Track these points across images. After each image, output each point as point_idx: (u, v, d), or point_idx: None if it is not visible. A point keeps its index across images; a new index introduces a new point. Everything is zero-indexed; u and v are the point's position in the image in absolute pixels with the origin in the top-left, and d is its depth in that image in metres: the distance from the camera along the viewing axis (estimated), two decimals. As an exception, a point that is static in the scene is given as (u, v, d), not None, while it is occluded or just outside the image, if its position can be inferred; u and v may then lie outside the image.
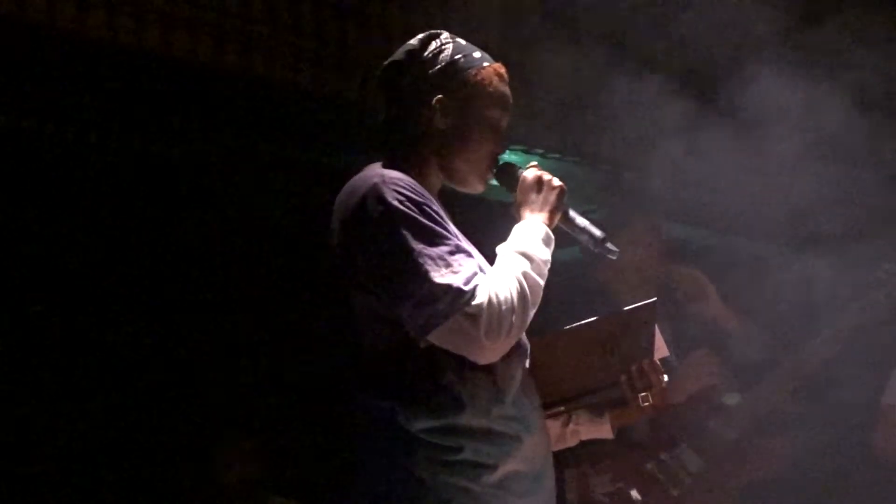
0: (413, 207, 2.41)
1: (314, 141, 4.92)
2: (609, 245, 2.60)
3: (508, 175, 2.64)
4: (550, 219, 2.57)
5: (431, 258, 2.37)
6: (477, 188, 2.65)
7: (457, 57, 2.59)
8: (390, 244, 2.39)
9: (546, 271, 2.49)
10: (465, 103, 2.57)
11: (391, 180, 2.44)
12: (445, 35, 2.63)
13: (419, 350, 2.40)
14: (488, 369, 2.43)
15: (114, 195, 5.03)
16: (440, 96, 2.56)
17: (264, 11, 4.39)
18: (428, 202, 2.45)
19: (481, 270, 2.44)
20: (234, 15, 4.31)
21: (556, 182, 2.61)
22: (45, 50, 4.03)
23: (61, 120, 4.56)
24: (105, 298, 5.22)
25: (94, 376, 5.15)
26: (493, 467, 2.40)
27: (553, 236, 2.55)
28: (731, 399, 4.16)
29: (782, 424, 4.25)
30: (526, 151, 4.93)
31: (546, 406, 2.57)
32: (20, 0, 3.83)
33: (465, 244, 2.49)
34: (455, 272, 2.37)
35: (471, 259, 2.43)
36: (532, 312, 2.44)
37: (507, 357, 2.47)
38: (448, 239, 2.42)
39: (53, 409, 5.03)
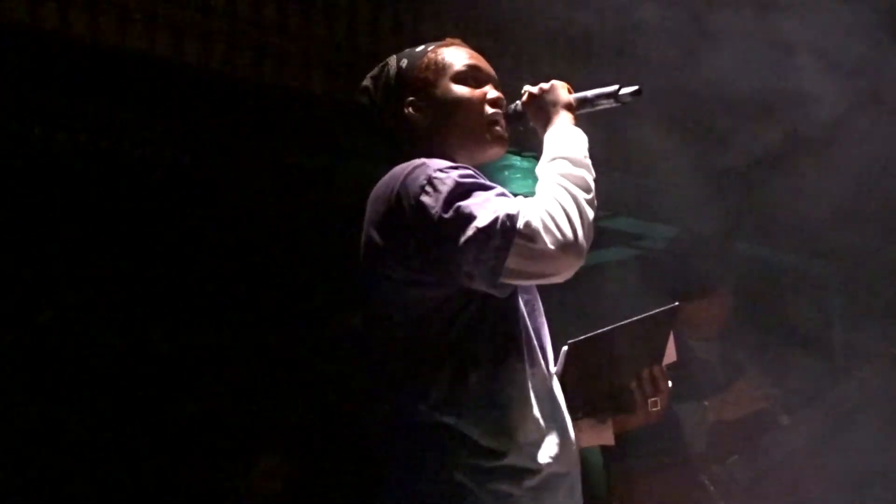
0: (452, 172, 2.40)
1: (327, 147, 4.93)
2: (625, 91, 2.57)
3: (511, 116, 2.63)
4: (570, 114, 2.56)
5: (476, 204, 2.34)
6: (497, 151, 2.63)
7: (402, 63, 2.63)
8: (437, 209, 2.35)
9: (586, 161, 2.46)
10: (428, 89, 2.59)
11: (431, 160, 2.45)
12: (390, 58, 2.67)
13: (463, 349, 2.37)
14: (533, 371, 2.41)
15: (125, 202, 5.04)
16: (408, 100, 2.59)
17: (275, 19, 4.40)
18: (467, 167, 2.45)
19: None
20: (244, 22, 4.33)
21: (546, 84, 2.60)
22: (56, 57, 4.05)
23: (72, 127, 4.57)
24: (118, 306, 5.23)
25: (106, 385, 5.16)
26: (535, 471, 2.37)
27: (580, 129, 2.52)
28: (784, 420, 4.20)
29: (831, 448, 4.27)
30: (517, 153, 4.92)
31: (572, 411, 2.54)
32: (32, 7, 3.85)
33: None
34: (500, 205, 2.34)
35: (515, 198, 2.41)
36: (591, 201, 2.40)
37: (543, 353, 2.46)
38: (491, 188, 2.40)
39: (64, 418, 5.03)
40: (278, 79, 4.39)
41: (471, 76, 2.61)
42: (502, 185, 5.40)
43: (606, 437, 2.66)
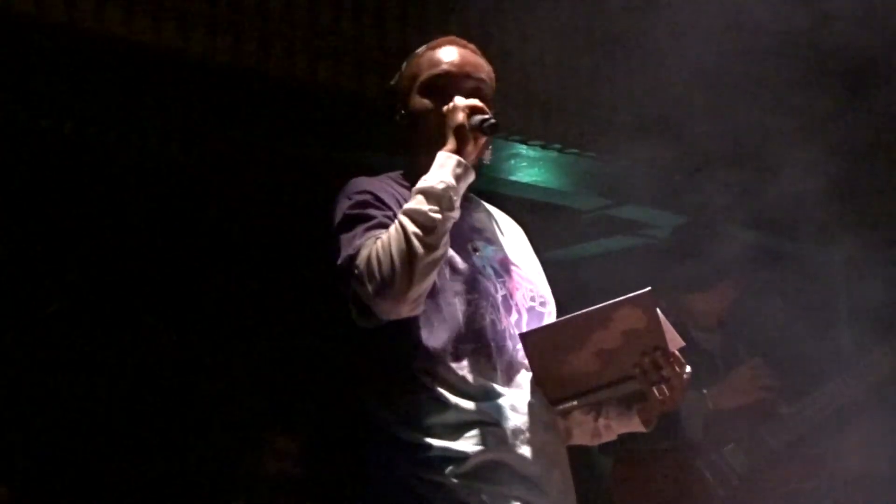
0: (352, 197, 2.51)
1: (334, 138, 4.93)
2: (486, 124, 2.52)
3: (486, 131, 2.59)
4: (455, 140, 2.50)
5: (346, 241, 2.45)
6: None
7: (402, 67, 2.68)
8: (332, 239, 2.50)
9: (446, 194, 2.43)
10: (404, 99, 2.64)
11: (349, 184, 2.56)
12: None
13: (389, 352, 2.48)
14: (460, 365, 2.48)
15: (132, 194, 5.05)
16: (396, 106, 2.65)
17: (282, 9, 4.40)
18: (367, 191, 2.52)
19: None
20: (251, 13, 4.33)
21: (451, 104, 2.55)
22: (62, 48, 4.05)
23: (80, 119, 4.58)
24: (128, 296, 5.25)
25: (118, 372, 5.18)
26: (463, 459, 2.44)
27: (454, 156, 2.47)
28: (783, 410, 4.22)
29: (830, 437, 4.28)
30: (523, 142, 4.92)
31: (556, 401, 2.56)
32: (39, -1, 3.87)
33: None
34: (352, 246, 2.43)
35: (382, 230, 2.45)
36: (430, 241, 2.39)
37: (479, 350, 2.51)
38: (371, 218, 2.47)
39: (74, 404, 5.06)
40: (285, 70, 4.39)
41: (435, 86, 2.61)
42: (508, 173, 5.41)
43: (635, 424, 2.66)
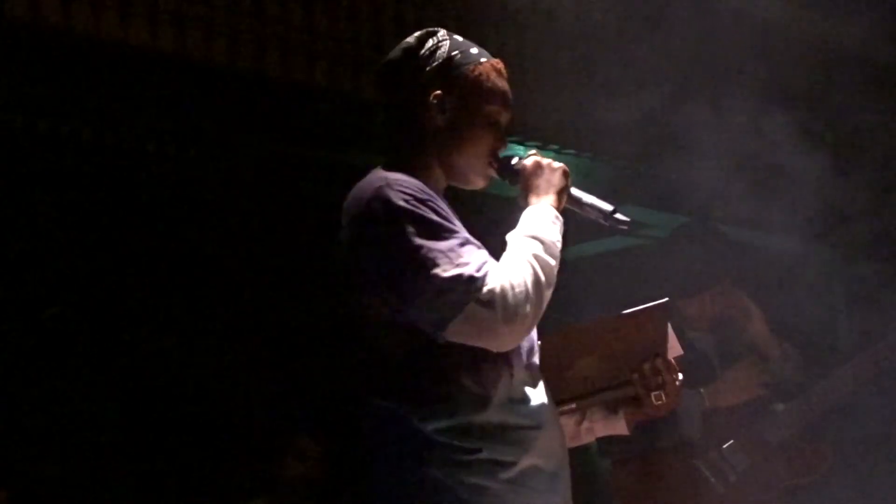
0: (419, 205, 2.41)
1: (331, 139, 4.93)
2: (618, 216, 2.58)
3: (509, 168, 2.62)
4: (557, 200, 2.56)
5: (441, 251, 2.37)
6: (478, 184, 2.64)
7: (454, 53, 2.58)
8: (397, 244, 2.39)
9: (558, 252, 2.48)
10: (462, 99, 2.56)
11: (395, 182, 2.44)
12: (442, 32, 2.63)
13: (433, 351, 2.40)
14: (504, 366, 2.44)
15: (130, 197, 5.05)
16: (438, 93, 2.56)
17: (278, 11, 4.40)
18: (433, 199, 2.45)
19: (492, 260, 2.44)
20: (248, 16, 4.33)
21: (557, 164, 2.61)
22: (58, 51, 4.05)
23: (76, 121, 4.58)
24: (128, 300, 5.25)
25: (137, 373, 5.20)
26: (511, 464, 2.41)
27: (561, 217, 2.54)
28: (778, 407, 4.24)
29: (825, 431, 4.30)
30: (541, 147, 4.93)
31: (558, 403, 2.56)
32: (34, 3, 3.86)
33: (474, 239, 2.48)
34: (466, 262, 2.36)
35: (481, 250, 2.43)
36: (548, 294, 2.43)
37: (522, 353, 2.49)
38: (456, 233, 2.42)
39: (92, 407, 5.07)
40: (281, 72, 4.40)
41: (496, 113, 2.60)
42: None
43: (619, 427, 2.68)
